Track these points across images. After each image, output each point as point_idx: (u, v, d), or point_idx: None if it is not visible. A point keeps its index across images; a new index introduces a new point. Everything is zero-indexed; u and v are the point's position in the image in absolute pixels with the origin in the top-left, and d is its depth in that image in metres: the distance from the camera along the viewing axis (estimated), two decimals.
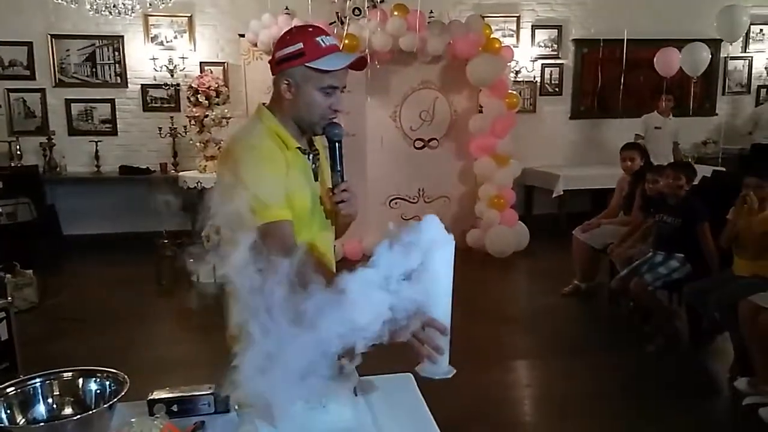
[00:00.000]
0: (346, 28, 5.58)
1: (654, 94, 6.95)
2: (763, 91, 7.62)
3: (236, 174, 1.41)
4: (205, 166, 5.45)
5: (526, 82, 7.16)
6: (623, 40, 7.02)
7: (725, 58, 7.57)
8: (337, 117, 1.56)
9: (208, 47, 6.43)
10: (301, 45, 1.47)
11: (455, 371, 1.16)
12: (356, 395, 1.50)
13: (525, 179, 6.89)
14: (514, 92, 6.22)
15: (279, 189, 1.45)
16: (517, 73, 7.00)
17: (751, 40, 7.63)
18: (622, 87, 7.21)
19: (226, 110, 5.52)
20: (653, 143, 6.48)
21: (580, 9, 7.18)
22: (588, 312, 4.74)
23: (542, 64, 7.25)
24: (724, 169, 6.46)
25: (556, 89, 7.33)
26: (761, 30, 7.63)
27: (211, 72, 6.14)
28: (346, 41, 5.36)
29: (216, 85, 5.43)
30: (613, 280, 4.34)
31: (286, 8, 6.01)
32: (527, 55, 7.14)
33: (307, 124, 1.54)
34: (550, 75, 7.30)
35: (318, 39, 1.48)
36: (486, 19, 6.47)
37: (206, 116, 5.35)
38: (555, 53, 7.25)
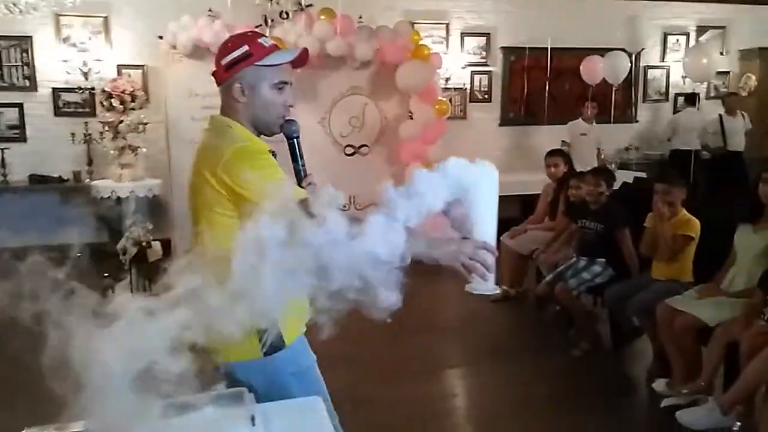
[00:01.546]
0: (269, 31, 5.43)
1: (578, 101, 7.13)
2: (680, 99, 7.94)
3: (236, 175, 1.43)
4: (121, 174, 5.16)
5: (456, 88, 7.19)
6: (548, 48, 7.18)
7: (644, 67, 7.86)
8: (289, 113, 1.61)
9: (126, 49, 6.12)
10: (246, 47, 1.54)
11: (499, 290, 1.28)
12: (254, 425, 1.38)
13: None
14: (444, 99, 6.23)
15: (282, 174, 1.49)
16: (447, 79, 7.02)
17: (668, 50, 7.96)
18: (547, 94, 7.37)
19: (142, 115, 5.26)
20: (579, 150, 6.65)
21: (507, 17, 7.28)
22: (516, 318, 4.76)
23: (472, 71, 7.31)
24: (644, 175, 6.68)
25: (486, 96, 7.41)
26: (677, 40, 7.97)
27: (130, 75, 5.84)
28: None
29: (131, 89, 5.16)
30: (539, 285, 4.37)
31: (210, 10, 5.79)
32: (457, 62, 7.18)
33: (264, 124, 1.59)
34: (480, 82, 7.37)
35: (260, 40, 1.57)
36: (415, 25, 6.47)
37: (121, 122, 5.07)
38: (484, 60, 7.32)
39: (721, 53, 7.89)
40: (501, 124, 7.52)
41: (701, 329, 3.07)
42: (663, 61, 7.98)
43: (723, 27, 8.09)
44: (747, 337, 2.79)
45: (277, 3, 5.82)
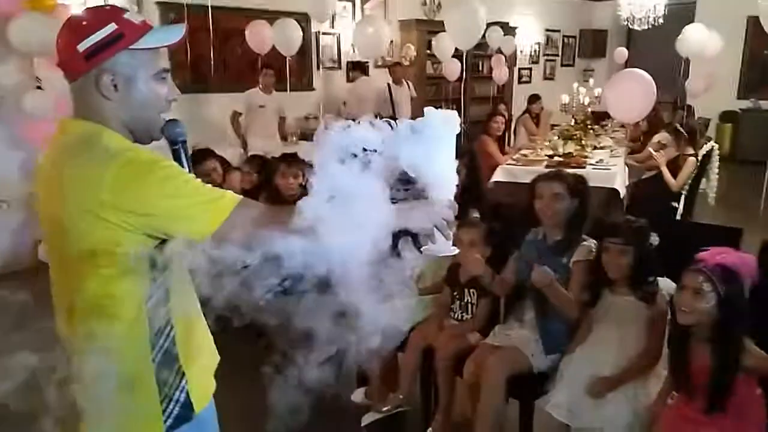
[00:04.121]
0: None
1: (253, 67, 6.53)
2: (351, 66, 7.97)
3: (140, 198, 1.11)
4: None
5: None
6: (209, 6, 6.36)
7: (316, 33, 7.64)
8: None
9: None
10: (114, 25, 1.17)
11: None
12: None
13: None
14: None
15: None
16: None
17: (337, 17, 7.86)
18: (216, 59, 6.57)
19: None
20: (258, 122, 6.10)
21: None
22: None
23: None
24: None
25: None
26: (344, 7, 7.92)
27: None
28: None
29: None
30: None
31: None
32: None
33: (145, 125, 1.27)
34: None
35: (127, 16, 1.20)
36: None
37: None
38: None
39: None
40: None
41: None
42: (333, 28, 7.87)
43: None
44: (440, 340, 2.59)
45: None
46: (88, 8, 1.24)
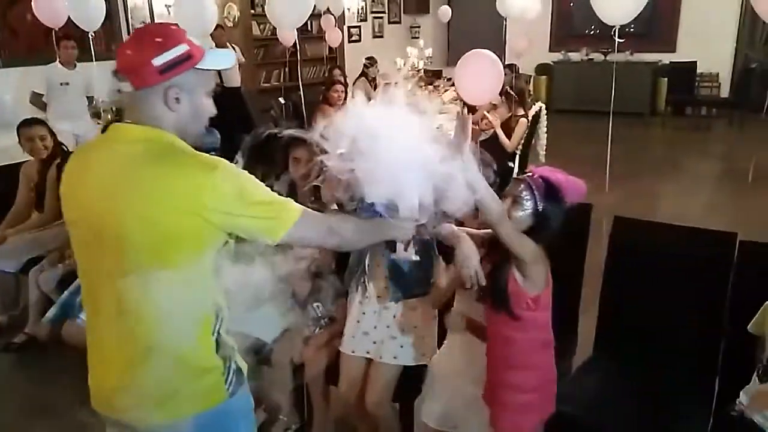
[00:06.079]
0: None
1: (51, 35, 5.58)
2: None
3: (241, 199, 1.30)
4: None
5: None
6: None
7: None
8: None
9: None
10: (186, 46, 1.33)
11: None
12: None
13: None
14: None
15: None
16: None
17: None
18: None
19: None
20: (62, 102, 5.29)
21: None
22: (36, 358, 3.41)
23: None
24: None
25: None
26: None
27: None
28: None
29: None
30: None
31: None
32: None
33: (193, 136, 1.40)
34: None
35: (190, 38, 1.37)
36: None
37: None
38: None
39: None
40: None
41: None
42: None
43: None
44: (307, 354, 2.41)
45: None
46: (158, 25, 1.37)
